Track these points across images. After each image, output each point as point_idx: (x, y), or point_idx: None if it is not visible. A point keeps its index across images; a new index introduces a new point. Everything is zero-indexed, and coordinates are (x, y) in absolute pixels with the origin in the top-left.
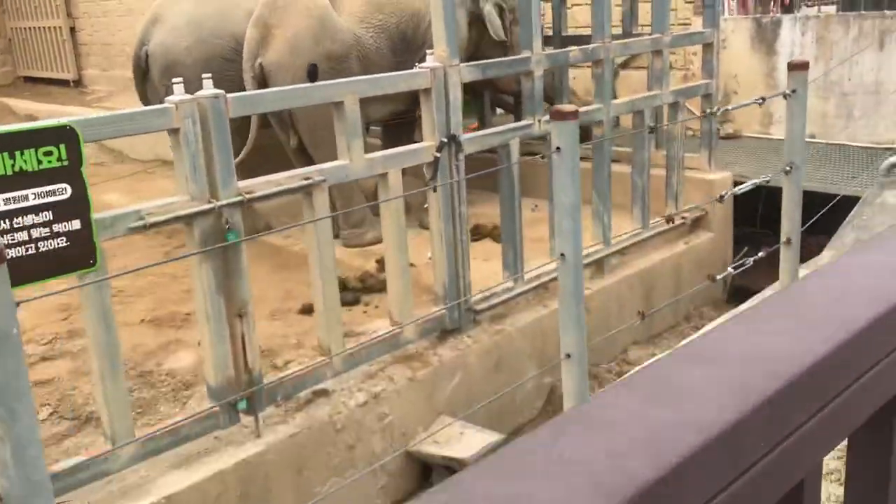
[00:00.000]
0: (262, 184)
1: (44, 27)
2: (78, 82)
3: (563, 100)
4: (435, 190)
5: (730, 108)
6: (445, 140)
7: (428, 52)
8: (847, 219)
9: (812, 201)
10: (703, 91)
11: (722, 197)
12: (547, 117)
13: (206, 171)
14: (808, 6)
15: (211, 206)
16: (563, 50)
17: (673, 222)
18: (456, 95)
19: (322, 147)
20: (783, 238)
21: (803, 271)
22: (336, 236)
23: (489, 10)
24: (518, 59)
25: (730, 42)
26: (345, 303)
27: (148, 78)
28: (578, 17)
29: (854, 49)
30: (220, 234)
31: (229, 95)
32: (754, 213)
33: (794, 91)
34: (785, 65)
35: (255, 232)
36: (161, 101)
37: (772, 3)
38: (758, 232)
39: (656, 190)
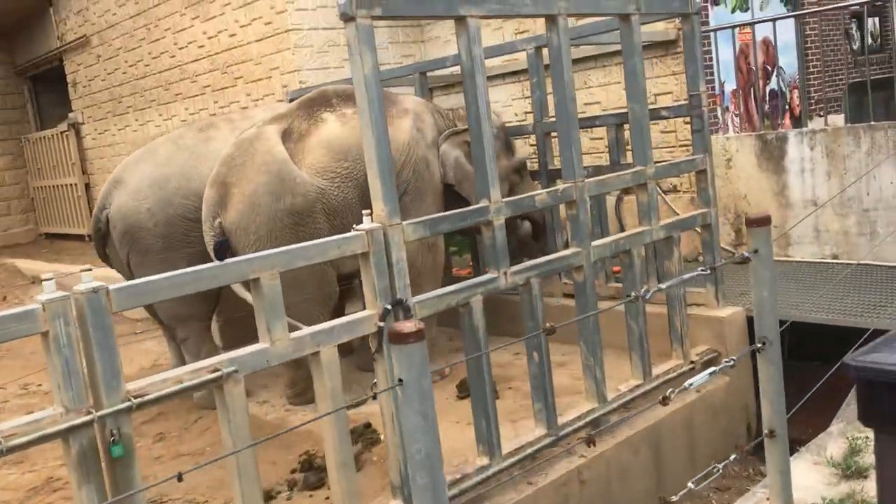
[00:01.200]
0: (157, 383)
1: (61, 185)
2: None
3: (558, 237)
4: (374, 394)
5: (716, 266)
6: (390, 307)
7: (364, 212)
8: None
9: (846, 336)
10: (701, 221)
11: (665, 399)
12: (514, 269)
13: (84, 376)
14: (819, 116)
15: (90, 416)
16: (528, 195)
17: (667, 402)
18: (400, 256)
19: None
20: (766, 430)
21: (805, 458)
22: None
23: (445, 149)
24: (474, 210)
25: (736, 161)
26: (308, 486)
27: (108, 242)
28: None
29: (868, 162)
30: (105, 450)
31: (112, 287)
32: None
33: (755, 251)
34: (796, 181)
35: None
36: (122, 265)
37: (779, 117)
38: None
39: (661, 329)
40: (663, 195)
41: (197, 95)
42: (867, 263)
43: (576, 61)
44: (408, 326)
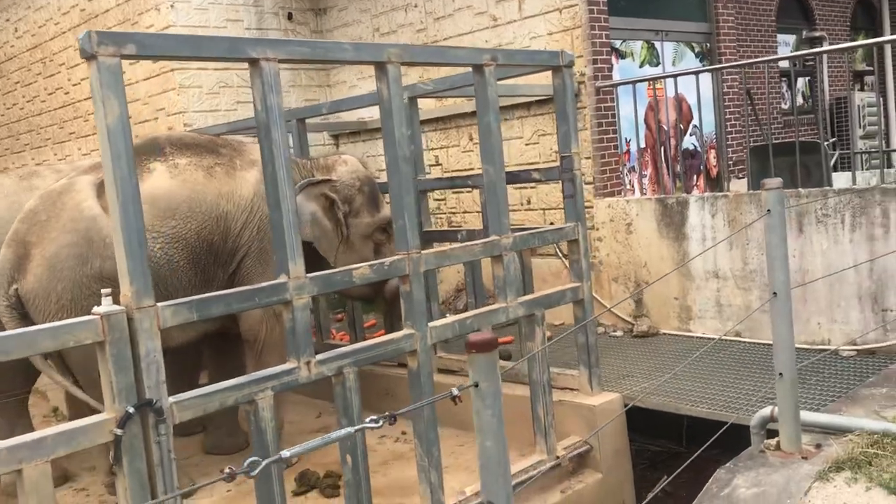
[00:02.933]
0: None
1: None
2: None
3: (433, 304)
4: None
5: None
6: (132, 410)
7: (103, 291)
8: None
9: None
10: (572, 297)
11: None
12: (317, 358)
13: None
14: (739, 178)
15: None
16: (342, 269)
17: None
18: (153, 346)
19: (95, 388)
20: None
21: None
22: None
23: (299, 203)
24: (266, 288)
25: (636, 226)
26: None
27: None
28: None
29: None
30: None
31: None
32: (678, 425)
33: (475, 385)
34: (696, 249)
35: None
36: None
37: (695, 179)
38: (684, 451)
39: (526, 418)
40: (564, 260)
41: (90, 135)
42: (768, 343)
43: (468, 114)
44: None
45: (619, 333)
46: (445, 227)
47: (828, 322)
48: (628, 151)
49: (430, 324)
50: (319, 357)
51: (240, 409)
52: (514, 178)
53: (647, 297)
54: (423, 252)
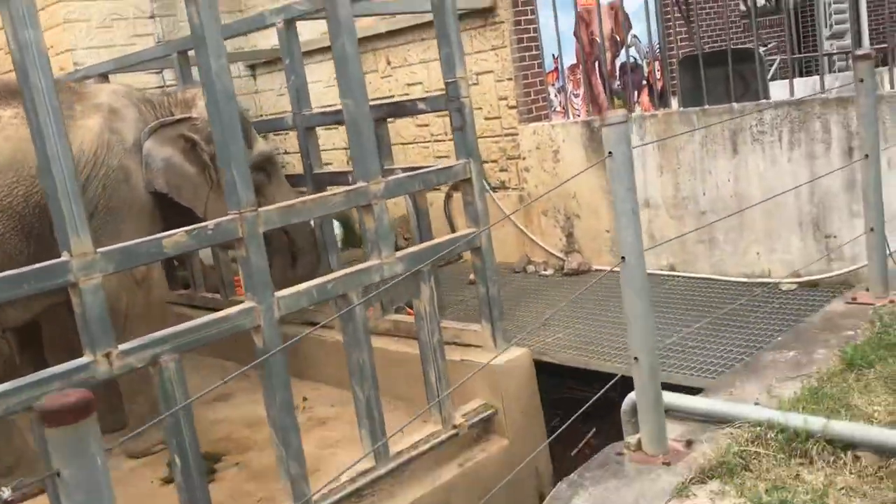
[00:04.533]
0: None
1: None
2: None
3: (332, 256)
4: None
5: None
6: None
7: None
8: None
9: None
10: (467, 245)
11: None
12: (122, 347)
13: None
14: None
15: None
16: (135, 242)
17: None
18: None
19: None
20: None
21: None
22: None
23: (149, 149)
24: (40, 270)
25: (563, 154)
26: None
27: None
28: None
29: (703, 154)
30: None
31: None
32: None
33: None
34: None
35: None
36: None
37: (637, 95)
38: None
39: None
40: (492, 193)
41: None
42: (707, 277)
43: (392, 33)
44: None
45: (548, 272)
46: (339, 168)
47: (767, 252)
48: (557, 69)
49: (278, 294)
50: (124, 347)
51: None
52: (400, 109)
53: (578, 231)
54: (260, 210)
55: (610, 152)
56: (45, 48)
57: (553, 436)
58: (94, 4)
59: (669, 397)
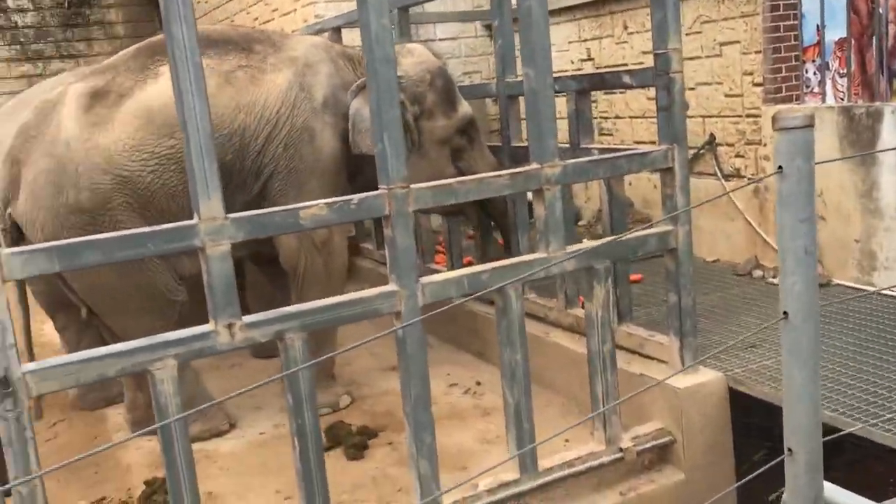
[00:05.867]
0: None
1: None
2: None
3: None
4: None
5: None
6: None
7: None
8: None
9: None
10: (660, 244)
11: None
12: (247, 319)
13: None
14: None
15: None
16: (265, 211)
17: None
18: None
19: (115, 314)
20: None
21: None
22: None
23: (356, 108)
24: (167, 231)
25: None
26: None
27: None
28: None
29: None
30: None
31: None
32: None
33: None
34: (890, 179)
35: None
36: None
37: None
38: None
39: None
40: (723, 181)
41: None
42: None
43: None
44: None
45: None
46: None
47: None
48: (819, 43)
49: (424, 280)
50: (249, 319)
51: None
52: (602, 82)
53: (821, 236)
54: (412, 187)
55: (780, 167)
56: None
57: (742, 481)
58: None
59: (835, 494)
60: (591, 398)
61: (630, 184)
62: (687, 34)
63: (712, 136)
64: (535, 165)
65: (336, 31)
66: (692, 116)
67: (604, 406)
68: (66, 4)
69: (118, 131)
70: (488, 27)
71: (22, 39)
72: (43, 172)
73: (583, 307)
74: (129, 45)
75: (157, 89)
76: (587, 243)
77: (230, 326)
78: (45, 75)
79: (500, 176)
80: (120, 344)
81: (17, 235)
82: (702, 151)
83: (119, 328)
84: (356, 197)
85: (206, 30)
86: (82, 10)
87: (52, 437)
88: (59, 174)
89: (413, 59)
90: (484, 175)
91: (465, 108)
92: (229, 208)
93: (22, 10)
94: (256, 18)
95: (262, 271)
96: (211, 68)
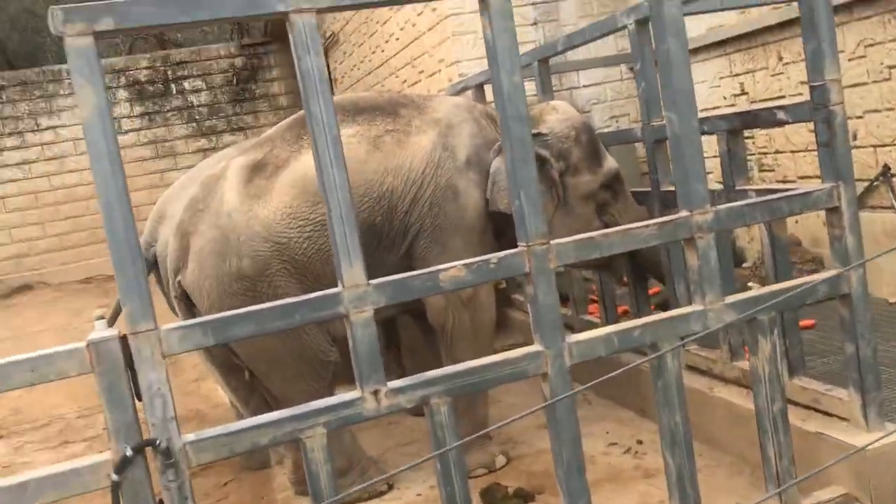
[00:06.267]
0: None
1: None
2: None
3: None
4: None
5: None
6: (131, 452)
7: (96, 313)
8: None
9: None
10: (829, 291)
11: None
12: (392, 385)
13: None
14: None
15: None
16: (405, 276)
17: None
18: (155, 378)
19: (273, 378)
20: None
21: None
22: None
23: (497, 167)
24: (312, 300)
25: None
26: None
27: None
28: None
29: None
30: None
31: None
32: None
33: None
34: None
35: None
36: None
37: None
38: None
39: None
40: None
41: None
42: None
43: (784, 24)
44: None
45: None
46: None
47: None
48: None
49: (570, 338)
50: (394, 385)
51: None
52: (754, 120)
53: None
54: (552, 243)
55: None
56: (326, 75)
57: None
58: (479, 17)
59: None
60: (763, 461)
61: (797, 221)
62: (850, 59)
63: (886, 167)
64: (683, 213)
65: (479, 89)
66: (862, 147)
67: (776, 469)
68: (235, 81)
69: (276, 201)
70: (631, 69)
71: (197, 117)
72: (209, 242)
73: (748, 359)
74: (292, 115)
75: (308, 160)
76: (748, 293)
77: (376, 393)
78: (218, 148)
79: (646, 226)
80: (272, 413)
81: (187, 303)
82: (875, 184)
83: (277, 390)
84: (495, 256)
85: (355, 97)
86: (249, 85)
87: (223, 497)
88: (222, 244)
89: (557, 115)
90: (629, 226)
91: (609, 162)
92: (379, 268)
93: (196, 91)
94: (405, 81)
95: (416, 325)
96: (361, 135)
